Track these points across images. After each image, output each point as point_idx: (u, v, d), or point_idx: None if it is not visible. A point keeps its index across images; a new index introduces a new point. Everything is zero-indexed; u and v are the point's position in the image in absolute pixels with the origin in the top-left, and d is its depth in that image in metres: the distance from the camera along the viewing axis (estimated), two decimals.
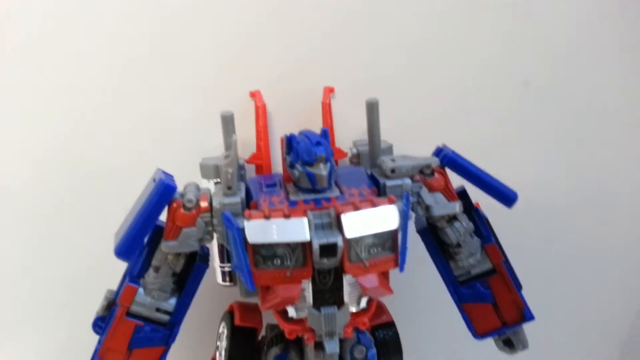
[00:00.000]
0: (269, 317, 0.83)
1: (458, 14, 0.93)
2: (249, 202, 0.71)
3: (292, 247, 0.66)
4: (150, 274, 0.73)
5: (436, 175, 0.74)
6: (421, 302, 1.06)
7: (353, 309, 0.71)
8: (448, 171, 0.76)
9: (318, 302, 0.69)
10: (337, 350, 0.69)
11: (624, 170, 1.09)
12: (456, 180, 0.77)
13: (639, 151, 1.08)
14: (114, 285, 0.77)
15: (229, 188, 0.69)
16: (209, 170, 0.79)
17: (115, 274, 0.77)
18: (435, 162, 0.74)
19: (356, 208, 0.66)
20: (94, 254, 0.92)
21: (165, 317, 0.74)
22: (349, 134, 0.86)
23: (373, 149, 0.78)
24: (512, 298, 0.79)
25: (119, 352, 0.73)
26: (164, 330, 0.74)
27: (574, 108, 1.02)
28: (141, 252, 0.74)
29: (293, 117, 0.87)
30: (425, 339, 1.09)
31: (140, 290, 0.73)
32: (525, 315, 0.79)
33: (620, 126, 1.05)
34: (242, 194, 0.70)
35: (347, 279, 0.69)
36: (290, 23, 0.89)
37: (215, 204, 0.69)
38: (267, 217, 0.65)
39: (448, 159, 0.74)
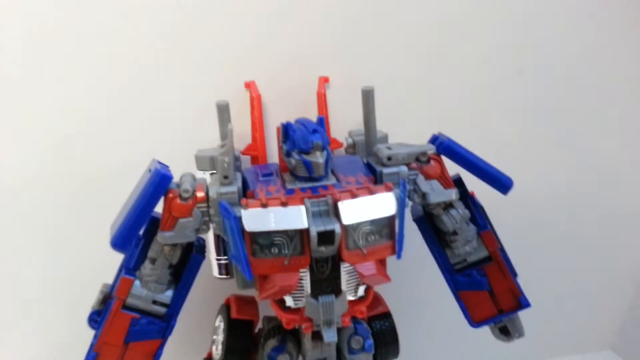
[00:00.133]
0: (265, 310, 0.83)
1: (453, 4, 0.94)
2: (245, 192, 0.70)
3: (289, 235, 0.66)
4: (147, 266, 0.72)
5: (432, 162, 0.74)
6: (417, 292, 1.07)
7: (351, 298, 0.71)
8: (444, 160, 0.76)
9: (316, 291, 0.69)
10: (335, 338, 0.69)
11: (617, 159, 1.10)
12: (452, 169, 0.77)
13: (628, 140, 1.09)
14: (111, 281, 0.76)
15: (226, 177, 0.69)
16: (205, 161, 0.79)
17: (113, 271, 0.76)
18: (431, 149, 0.74)
19: (353, 195, 0.66)
20: (92, 251, 0.91)
21: (162, 310, 0.74)
22: (344, 124, 0.87)
23: (369, 137, 0.77)
24: (508, 285, 0.79)
25: (115, 345, 0.72)
26: (161, 323, 0.74)
27: (566, 98, 1.03)
28: (137, 245, 0.74)
29: (288, 108, 0.87)
30: (422, 329, 1.10)
31: (137, 282, 0.72)
32: (521, 302, 0.80)
33: (610, 118, 1.07)
34: (239, 183, 0.70)
35: (344, 267, 0.69)
36: (284, 13, 0.89)
37: (211, 193, 0.69)
38: (264, 206, 0.65)
39: (444, 146, 0.75)
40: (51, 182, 0.91)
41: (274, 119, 0.89)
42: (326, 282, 0.69)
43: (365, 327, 0.77)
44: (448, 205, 0.76)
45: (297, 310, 0.70)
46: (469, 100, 0.99)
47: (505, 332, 0.83)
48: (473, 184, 0.79)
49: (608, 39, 1.01)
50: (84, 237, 0.94)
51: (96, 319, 0.74)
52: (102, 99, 0.88)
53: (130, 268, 0.73)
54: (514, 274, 0.80)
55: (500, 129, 1.01)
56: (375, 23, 0.92)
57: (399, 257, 0.69)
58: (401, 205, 0.67)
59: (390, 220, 0.68)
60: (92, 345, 0.73)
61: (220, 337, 0.83)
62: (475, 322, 0.81)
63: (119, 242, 0.68)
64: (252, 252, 0.66)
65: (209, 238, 0.81)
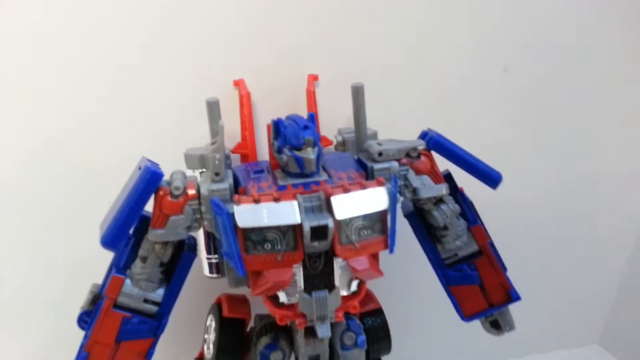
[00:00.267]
0: (257, 308, 0.83)
1: (442, 2, 0.94)
2: (236, 189, 0.70)
3: (282, 231, 0.66)
4: (137, 265, 0.72)
5: (422, 158, 0.75)
6: (408, 288, 1.07)
7: (344, 293, 0.71)
8: (434, 156, 0.77)
9: (309, 287, 0.69)
10: (329, 333, 0.69)
11: (603, 158, 1.12)
12: (441, 166, 0.78)
13: (611, 135, 1.11)
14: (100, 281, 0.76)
15: (217, 174, 0.69)
16: (194, 160, 0.77)
17: (102, 271, 0.75)
18: (421, 144, 0.75)
19: (346, 190, 0.66)
20: (80, 250, 0.90)
21: (154, 308, 0.73)
22: (333, 122, 0.87)
23: (359, 133, 0.78)
24: (498, 279, 0.80)
25: (106, 345, 0.72)
26: (152, 322, 0.73)
27: (552, 96, 1.04)
28: (127, 244, 0.73)
29: (277, 106, 0.87)
30: (414, 324, 1.10)
31: (127, 281, 0.72)
32: (512, 295, 0.81)
33: (597, 116, 1.09)
34: (230, 180, 0.70)
35: (337, 263, 0.69)
36: (273, 10, 0.88)
37: (203, 190, 0.68)
38: (257, 201, 0.65)
39: (434, 141, 0.75)
40: (39, 181, 0.90)
41: (263, 117, 0.89)
42: (319, 277, 0.69)
43: (357, 323, 0.77)
44: (438, 201, 0.77)
45: (290, 307, 0.70)
46: (456, 98, 0.99)
47: (496, 326, 0.84)
48: (460, 183, 0.80)
49: (598, 37, 1.03)
50: (72, 237, 0.93)
51: (86, 319, 0.73)
52: (90, 98, 0.87)
53: (120, 267, 0.72)
54: (504, 268, 0.81)
55: (488, 126, 1.02)
56: (364, 21, 0.92)
57: (391, 251, 0.69)
58: (393, 200, 0.68)
59: (382, 215, 0.68)
60: (82, 345, 0.72)
61: (211, 336, 0.82)
62: (466, 316, 0.82)
63: (110, 240, 0.67)
64: (245, 248, 0.66)
65: (199, 237, 0.81)
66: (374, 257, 0.72)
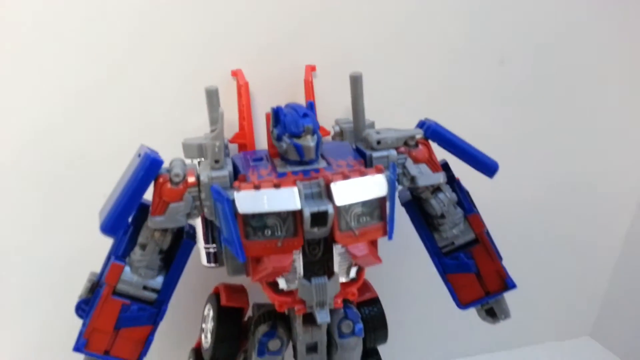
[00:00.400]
0: (255, 297, 0.83)
1: None
2: (236, 177, 0.70)
3: (282, 217, 0.66)
4: (137, 252, 0.72)
5: (420, 146, 0.75)
6: (406, 277, 1.08)
7: (343, 279, 0.71)
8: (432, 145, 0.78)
9: (308, 274, 0.70)
10: (329, 319, 0.70)
11: (596, 153, 1.13)
12: (438, 156, 0.78)
13: (604, 131, 1.12)
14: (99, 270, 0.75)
15: (217, 162, 0.69)
16: (193, 149, 0.78)
17: (100, 260, 0.75)
18: (419, 133, 0.75)
19: (345, 177, 0.66)
20: (77, 239, 0.90)
21: (153, 295, 0.73)
22: (331, 112, 0.87)
23: (357, 122, 0.78)
24: (494, 267, 0.81)
25: (105, 332, 0.72)
26: (151, 309, 0.73)
27: (546, 89, 1.06)
28: (126, 231, 0.73)
29: (275, 96, 0.87)
30: (410, 313, 1.11)
31: (127, 268, 0.72)
32: (507, 283, 0.81)
33: (590, 112, 1.10)
34: (230, 167, 0.70)
35: (337, 249, 0.70)
36: (271, 0, 0.89)
37: (203, 177, 0.68)
38: (257, 187, 0.65)
39: (431, 130, 0.76)
40: (35, 171, 0.89)
41: (261, 107, 0.89)
42: (318, 264, 0.70)
43: (355, 311, 0.78)
44: (436, 189, 0.77)
45: (289, 293, 0.70)
46: (454, 89, 1.00)
47: (492, 314, 0.85)
48: (458, 172, 0.81)
49: (597, 33, 1.04)
50: (70, 227, 0.92)
51: (84, 307, 0.73)
52: (89, 87, 0.87)
53: (119, 255, 0.72)
54: (500, 257, 0.82)
55: (485, 116, 1.03)
56: (362, 13, 0.93)
57: (390, 237, 0.69)
58: (392, 186, 0.68)
59: (381, 201, 0.69)
60: (81, 333, 0.72)
61: (209, 325, 0.83)
62: (462, 304, 0.82)
63: (109, 226, 0.67)
64: (245, 234, 0.66)
65: (198, 226, 0.81)
66: (373, 244, 0.73)
